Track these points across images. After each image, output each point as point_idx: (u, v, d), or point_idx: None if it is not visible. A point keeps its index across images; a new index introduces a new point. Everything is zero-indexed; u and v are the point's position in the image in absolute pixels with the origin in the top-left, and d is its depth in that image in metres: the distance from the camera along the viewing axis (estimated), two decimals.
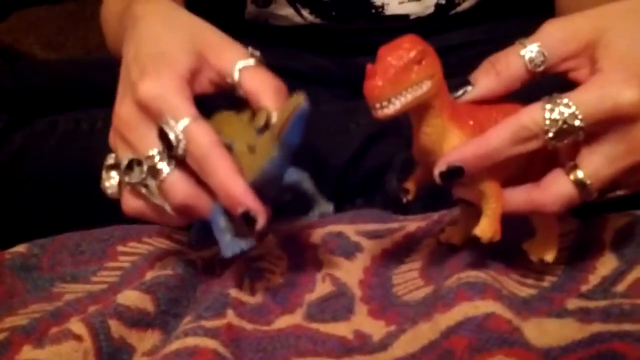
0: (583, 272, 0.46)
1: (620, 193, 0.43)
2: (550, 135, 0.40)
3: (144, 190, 0.45)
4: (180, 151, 0.43)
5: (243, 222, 0.43)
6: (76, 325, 0.42)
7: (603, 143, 0.40)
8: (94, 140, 0.59)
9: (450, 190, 0.44)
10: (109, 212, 0.51)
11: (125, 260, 0.53)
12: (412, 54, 0.39)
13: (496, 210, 0.42)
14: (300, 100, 0.41)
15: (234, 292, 0.46)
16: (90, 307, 0.47)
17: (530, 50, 0.42)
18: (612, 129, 0.40)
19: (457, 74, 0.47)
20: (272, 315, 0.46)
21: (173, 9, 0.52)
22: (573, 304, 0.43)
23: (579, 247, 0.49)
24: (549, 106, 0.39)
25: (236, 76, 0.46)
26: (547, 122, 0.39)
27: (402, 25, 0.70)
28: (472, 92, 0.43)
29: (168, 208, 0.44)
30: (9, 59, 1.05)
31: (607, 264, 0.46)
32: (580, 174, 0.40)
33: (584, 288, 0.45)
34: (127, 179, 0.45)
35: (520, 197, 0.42)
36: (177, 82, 0.44)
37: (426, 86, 0.39)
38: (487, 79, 0.43)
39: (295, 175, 0.47)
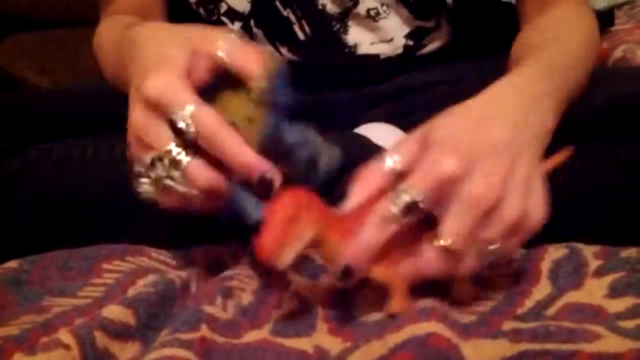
0: (520, 296, 0.51)
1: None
2: (401, 216, 0.46)
3: (170, 182, 0.49)
4: (191, 135, 0.48)
5: (261, 187, 0.48)
6: (65, 335, 0.46)
7: (447, 207, 0.46)
8: (85, 167, 0.64)
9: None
10: (96, 234, 0.55)
11: (109, 276, 0.57)
12: (289, 213, 0.45)
13: (397, 288, 0.48)
14: (275, 64, 0.45)
15: (207, 308, 0.50)
16: (76, 319, 0.51)
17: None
18: (449, 194, 0.46)
19: (423, 112, 0.53)
20: (241, 330, 0.50)
21: (169, 25, 0.58)
22: (508, 325, 0.48)
23: (520, 274, 0.54)
24: (392, 196, 0.46)
25: (222, 55, 0.51)
26: (396, 207, 0.46)
27: (372, 63, 0.76)
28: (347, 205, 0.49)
29: (195, 192, 0.49)
30: (2, 83, 1.08)
31: (542, 290, 0.51)
32: (439, 241, 0.46)
33: (519, 311, 0.50)
34: (152, 175, 0.50)
35: (407, 270, 0.48)
36: (176, 75, 0.49)
37: (308, 236, 0.46)
38: (358, 190, 0.49)
39: (298, 133, 0.53)
